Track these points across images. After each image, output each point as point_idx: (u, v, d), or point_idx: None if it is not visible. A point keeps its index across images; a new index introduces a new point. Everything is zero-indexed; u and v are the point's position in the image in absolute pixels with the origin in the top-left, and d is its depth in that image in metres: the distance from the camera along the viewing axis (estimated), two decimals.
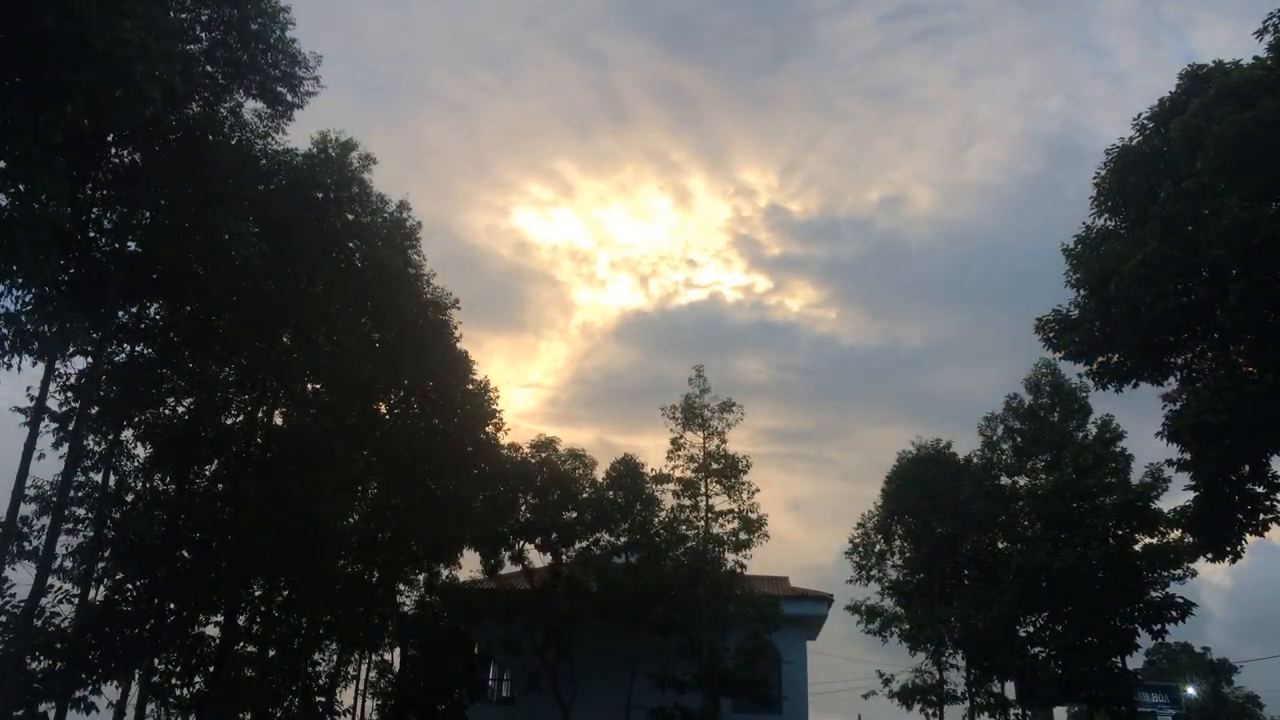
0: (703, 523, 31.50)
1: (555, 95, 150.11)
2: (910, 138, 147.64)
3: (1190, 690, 46.12)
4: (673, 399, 34.73)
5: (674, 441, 32.31)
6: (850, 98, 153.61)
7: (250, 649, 25.00)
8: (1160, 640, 36.54)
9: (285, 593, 25.99)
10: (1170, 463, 22.71)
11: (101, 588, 21.32)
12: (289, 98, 21.25)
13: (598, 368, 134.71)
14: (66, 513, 19.86)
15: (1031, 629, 32.11)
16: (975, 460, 36.62)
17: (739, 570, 31.50)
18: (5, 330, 14.26)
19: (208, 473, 23.55)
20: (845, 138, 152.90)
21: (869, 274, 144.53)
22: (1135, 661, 32.76)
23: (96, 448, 21.50)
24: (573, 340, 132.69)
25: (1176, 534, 27.89)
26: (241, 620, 24.80)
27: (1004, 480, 35.68)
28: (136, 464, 22.48)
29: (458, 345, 28.26)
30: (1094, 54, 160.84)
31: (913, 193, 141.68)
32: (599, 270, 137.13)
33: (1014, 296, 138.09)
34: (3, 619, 18.26)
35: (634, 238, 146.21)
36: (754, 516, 31.08)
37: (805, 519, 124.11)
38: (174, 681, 22.83)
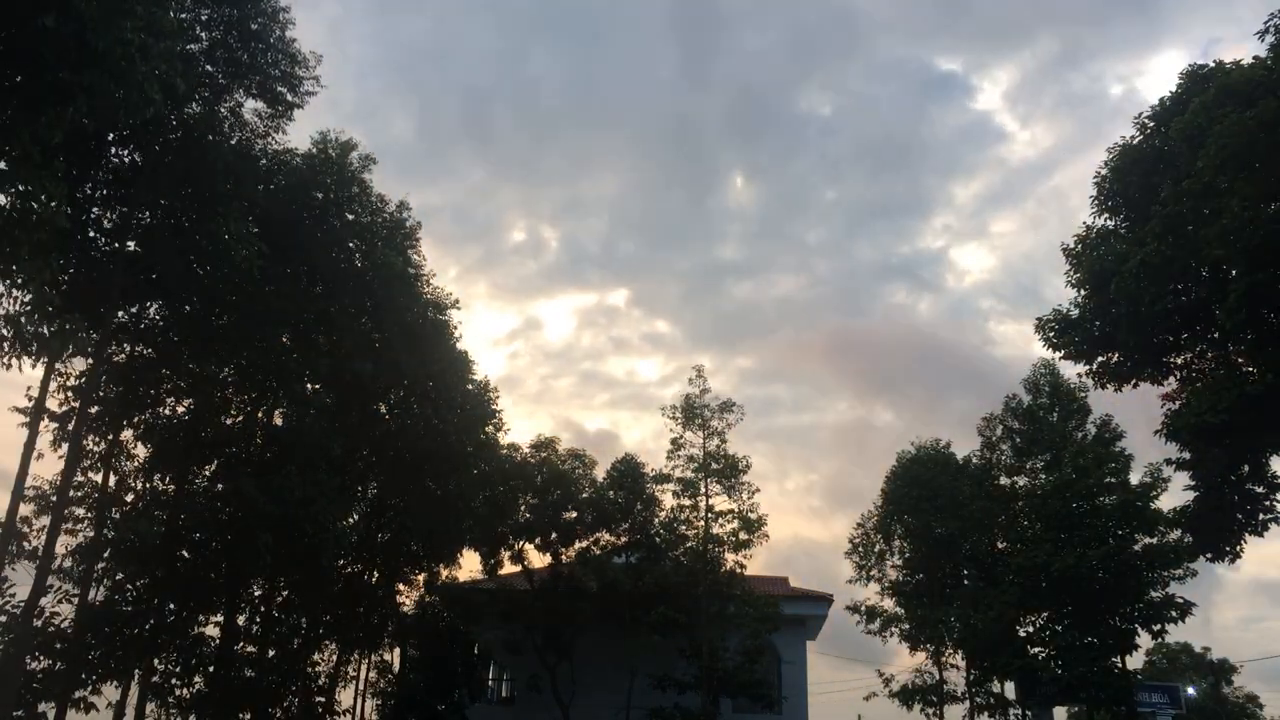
0: (703, 523, 31.49)
1: None
2: None
3: (1190, 690, 46.13)
4: None
5: (674, 441, 32.33)
6: None
7: (250, 649, 24.99)
8: (1160, 640, 36.57)
9: (285, 593, 25.98)
10: (1170, 462, 22.73)
11: (101, 588, 21.30)
12: (289, 97, 21.24)
13: None
14: (66, 513, 19.86)
15: (1031, 629, 32.11)
16: (975, 460, 36.66)
17: (739, 570, 31.49)
18: (5, 330, 14.24)
19: (208, 473, 23.53)
20: None
21: None
22: (1135, 661, 32.80)
23: (96, 448, 21.49)
24: None
25: (1176, 534, 27.87)
26: (241, 620, 24.80)
27: (1003, 480, 35.72)
28: (136, 464, 22.48)
29: (458, 345, 28.29)
30: None
31: None
32: None
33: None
34: (3, 619, 18.27)
35: None
36: (754, 516, 31.09)
37: None
38: (174, 681, 22.80)
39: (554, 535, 32.22)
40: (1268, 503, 20.72)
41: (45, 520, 19.51)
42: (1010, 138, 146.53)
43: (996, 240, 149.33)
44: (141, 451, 22.41)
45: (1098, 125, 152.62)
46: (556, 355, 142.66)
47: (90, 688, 19.89)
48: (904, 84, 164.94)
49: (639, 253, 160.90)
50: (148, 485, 22.74)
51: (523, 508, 32.49)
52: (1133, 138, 22.67)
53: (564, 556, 32.59)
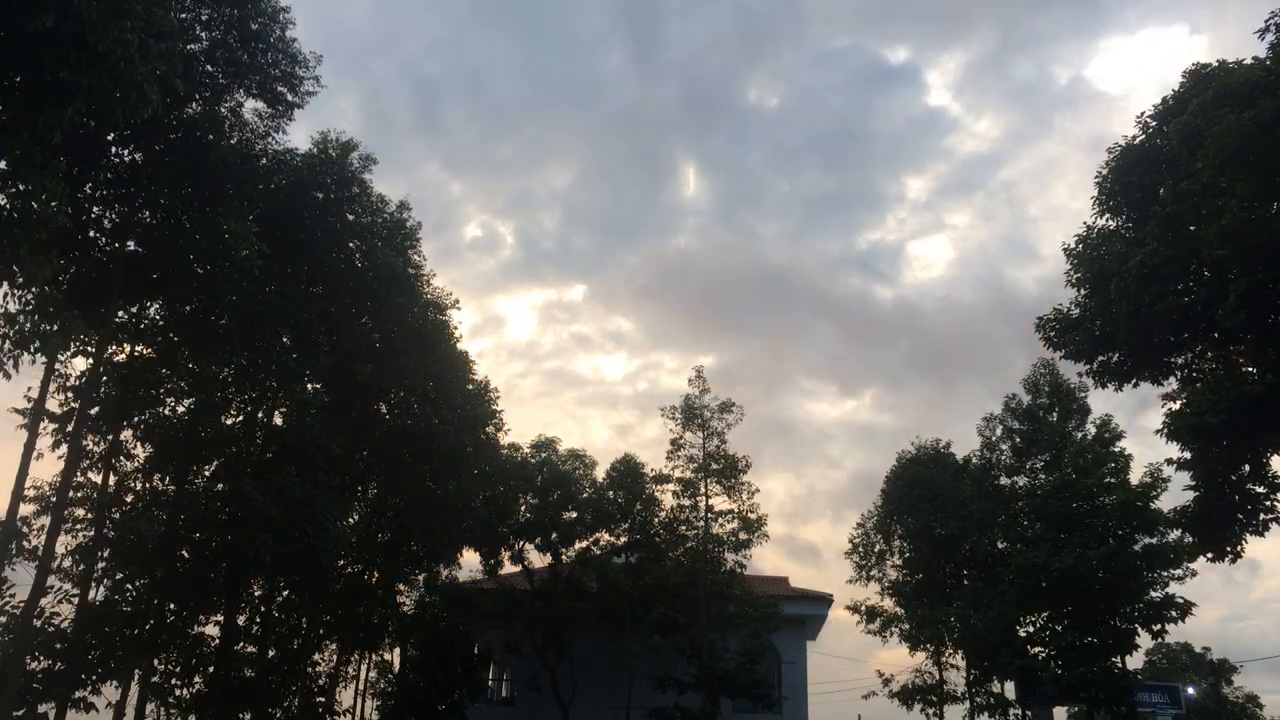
0: (702, 523, 31.50)
1: None
2: None
3: (1190, 690, 46.13)
4: None
5: (673, 442, 32.34)
6: None
7: (250, 649, 25.00)
8: (1160, 640, 36.61)
9: (285, 593, 25.99)
10: (1170, 462, 22.73)
11: (101, 588, 21.32)
12: (289, 97, 21.22)
13: None
14: (66, 513, 19.87)
15: (1031, 629, 32.12)
16: (975, 460, 36.69)
17: (739, 570, 31.50)
18: (5, 330, 14.23)
19: (208, 473, 23.53)
20: None
21: None
22: (1135, 661, 32.80)
23: (96, 448, 21.49)
24: None
25: (1176, 534, 27.87)
26: (241, 620, 24.79)
27: (1003, 480, 35.73)
28: (136, 464, 22.48)
29: (458, 345, 28.30)
30: None
31: None
32: None
33: None
34: (3, 619, 18.27)
35: None
36: (754, 516, 31.11)
37: None
38: (174, 681, 22.82)
39: (554, 535, 32.24)
40: (1268, 503, 20.71)
41: (45, 520, 19.51)
42: (959, 128, 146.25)
43: (951, 233, 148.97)
44: (141, 451, 22.43)
45: (1046, 114, 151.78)
46: (521, 354, 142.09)
47: (90, 688, 19.89)
48: (851, 73, 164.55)
49: (594, 247, 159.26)
50: (148, 485, 22.75)
51: (523, 508, 32.52)
52: (1133, 138, 22.69)
53: (564, 556, 32.61)
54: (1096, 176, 23.30)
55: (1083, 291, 22.88)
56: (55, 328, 14.39)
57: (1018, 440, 35.46)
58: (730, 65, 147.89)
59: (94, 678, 20.04)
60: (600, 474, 33.53)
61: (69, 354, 19.33)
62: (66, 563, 20.63)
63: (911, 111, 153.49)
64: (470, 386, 29.12)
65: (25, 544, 19.33)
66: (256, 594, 25.15)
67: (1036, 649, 31.26)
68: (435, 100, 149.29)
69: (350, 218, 24.23)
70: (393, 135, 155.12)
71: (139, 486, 22.65)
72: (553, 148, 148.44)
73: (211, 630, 23.77)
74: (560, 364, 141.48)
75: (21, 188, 12.35)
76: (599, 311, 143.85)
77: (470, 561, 32.92)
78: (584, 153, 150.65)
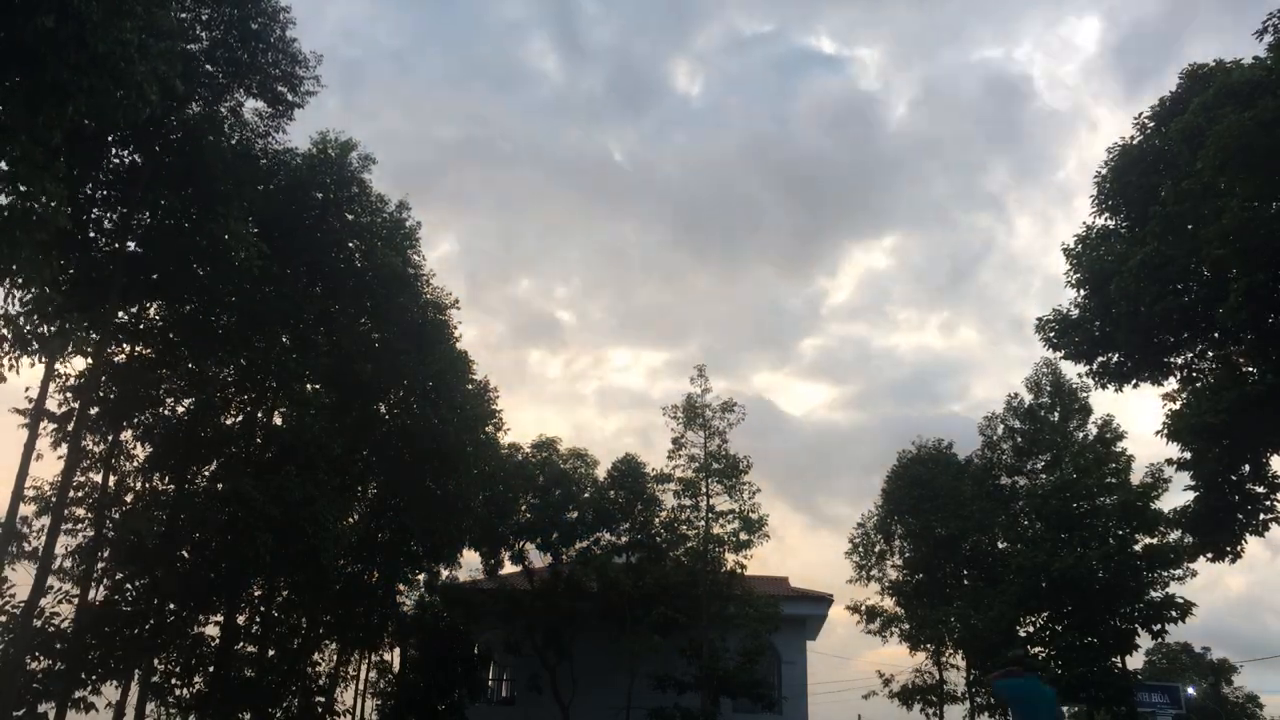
0: (703, 523, 31.50)
1: None
2: None
3: (1190, 690, 46.13)
4: None
5: (675, 441, 32.32)
6: None
7: (250, 649, 24.99)
8: (1160, 640, 36.62)
9: (285, 593, 25.98)
10: (1170, 462, 22.74)
11: (101, 588, 21.31)
12: (289, 97, 21.22)
13: None
14: (66, 513, 19.85)
15: (1031, 629, 32.12)
16: (975, 460, 36.70)
17: (739, 570, 31.50)
18: (5, 330, 14.23)
19: (207, 473, 23.53)
20: None
21: None
22: (1135, 661, 32.81)
23: (96, 448, 21.49)
24: None
25: (1176, 534, 27.88)
26: (241, 620, 24.79)
27: (1004, 480, 35.74)
28: (136, 464, 22.47)
29: (458, 345, 28.30)
30: None
31: None
32: None
33: None
34: (3, 619, 18.27)
35: None
36: (755, 516, 31.09)
37: None
38: (174, 681, 22.80)
39: (554, 535, 32.21)
40: (1268, 503, 20.73)
41: (45, 520, 19.50)
42: (888, 118, 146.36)
43: (891, 229, 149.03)
44: (141, 451, 22.41)
45: (968, 98, 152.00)
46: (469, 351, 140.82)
47: (90, 688, 19.83)
48: (774, 60, 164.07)
49: (533, 240, 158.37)
50: (147, 485, 22.72)
51: (523, 508, 32.49)
52: (1132, 137, 22.71)
53: (564, 556, 32.59)
54: (1095, 176, 23.38)
55: (1082, 292, 22.90)
56: (55, 328, 14.41)
57: (1019, 440, 35.47)
58: (656, 49, 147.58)
59: (94, 678, 19.99)
60: (601, 473, 33.55)
61: (69, 354, 19.31)
62: (66, 563, 20.62)
63: (837, 100, 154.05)
64: (470, 386, 29.12)
65: (25, 544, 19.34)
66: (256, 594, 25.12)
67: (1036, 649, 31.26)
68: (356, 90, 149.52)
69: (350, 217, 24.23)
70: (327, 125, 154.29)
71: (139, 486, 22.62)
72: (484, 137, 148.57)
73: (211, 630, 23.77)
74: (512, 360, 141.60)
75: (22, 189, 12.35)
76: (545, 307, 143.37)
77: (470, 561, 32.94)
78: (517, 141, 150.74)
